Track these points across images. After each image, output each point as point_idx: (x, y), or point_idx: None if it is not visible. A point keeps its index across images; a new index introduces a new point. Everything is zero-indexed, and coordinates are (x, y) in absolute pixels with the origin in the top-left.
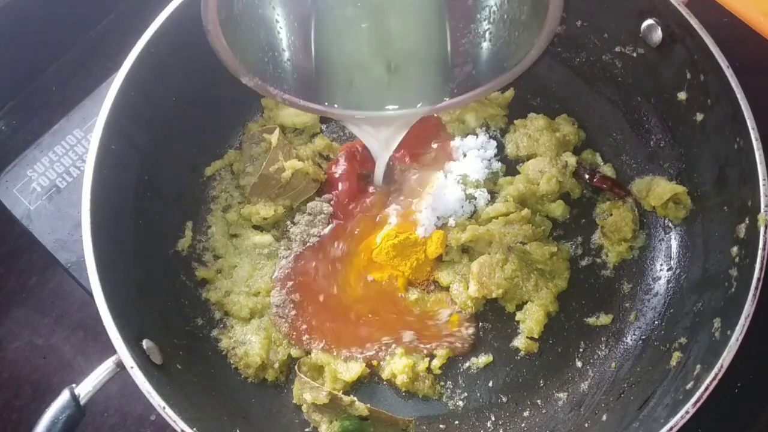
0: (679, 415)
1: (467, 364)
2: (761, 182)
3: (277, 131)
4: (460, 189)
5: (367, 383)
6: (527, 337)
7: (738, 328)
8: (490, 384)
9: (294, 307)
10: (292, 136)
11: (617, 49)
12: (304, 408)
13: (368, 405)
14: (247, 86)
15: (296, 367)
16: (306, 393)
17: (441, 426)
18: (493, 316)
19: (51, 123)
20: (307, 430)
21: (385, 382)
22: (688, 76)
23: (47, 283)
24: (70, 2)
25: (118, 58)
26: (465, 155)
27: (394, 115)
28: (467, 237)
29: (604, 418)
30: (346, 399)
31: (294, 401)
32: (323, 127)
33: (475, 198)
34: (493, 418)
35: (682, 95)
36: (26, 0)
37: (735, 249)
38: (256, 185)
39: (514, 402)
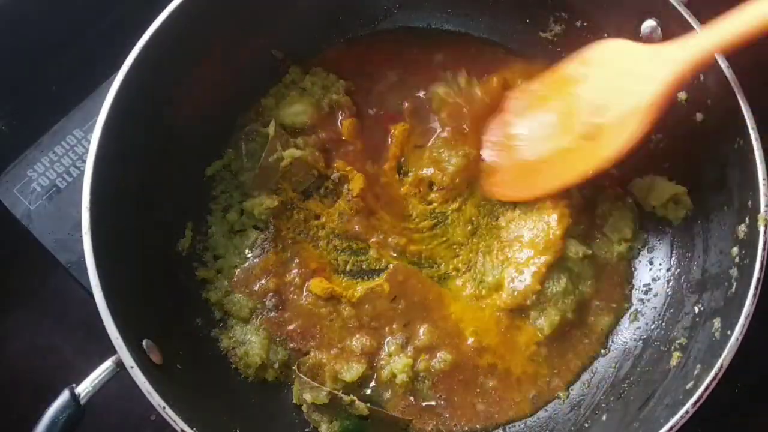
0: (679, 415)
1: None
2: (761, 182)
3: (273, 122)
4: None
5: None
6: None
7: (738, 328)
8: None
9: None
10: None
11: None
12: (304, 408)
13: (368, 404)
14: (246, 86)
15: (296, 367)
16: (306, 393)
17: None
18: None
19: (51, 123)
20: (307, 430)
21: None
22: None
23: (47, 283)
24: (69, 2)
25: (118, 58)
26: None
27: None
28: None
29: (604, 418)
30: (346, 398)
31: (294, 401)
32: None
33: None
34: None
35: (682, 95)
36: (26, 0)
37: (735, 249)
38: (256, 177)
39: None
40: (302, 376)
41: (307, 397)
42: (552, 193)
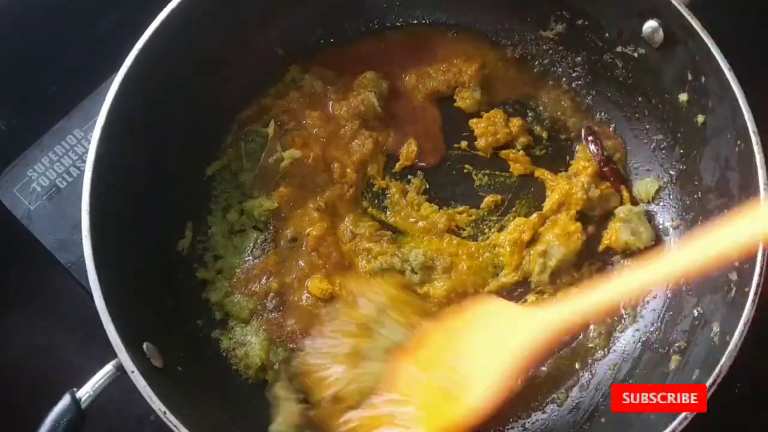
0: (677, 421)
1: None
2: (761, 185)
3: (272, 122)
4: None
5: None
6: None
7: (737, 334)
8: None
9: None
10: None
11: (618, 49)
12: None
13: None
14: (246, 86)
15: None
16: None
17: None
18: None
19: (51, 123)
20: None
21: None
22: (689, 77)
23: (47, 283)
24: (69, 2)
25: (118, 58)
26: None
27: None
28: None
29: (603, 420)
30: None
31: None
32: None
33: None
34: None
35: (683, 96)
36: (26, 0)
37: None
38: (256, 177)
39: (512, 405)
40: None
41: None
42: None
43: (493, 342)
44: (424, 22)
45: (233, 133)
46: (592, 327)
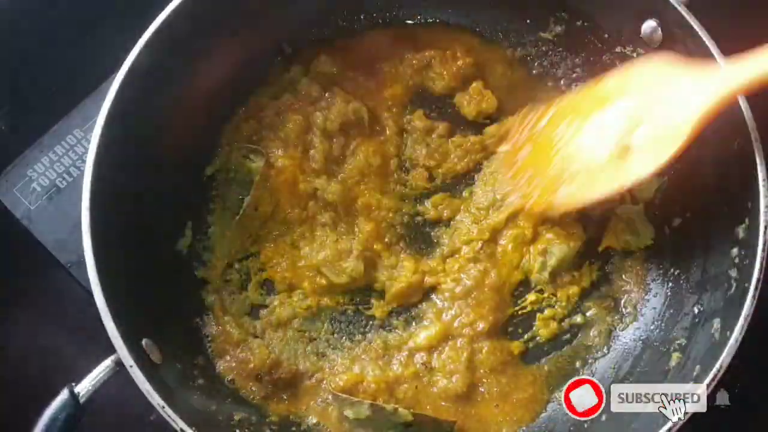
0: (678, 416)
1: None
2: (761, 183)
3: (261, 161)
4: None
5: None
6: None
7: (737, 329)
8: None
9: None
10: None
11: (618, 50)
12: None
13: (411, 410)
14: (245, 86)
15: (329, 386)
16: (346, 410)
17: None
18: None
19: (51, 123)
20: (303, 428)
21: None
22: None
23: (47, 283)
24: (69, 2)
25: (118, 58)
26: None
27: None
28: None
29: (604, 418)
30: (389, 407)
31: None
32: None
33: None
34: None
35: None
36: (26, 0)
37: (735, 250)
38: (237, 224)
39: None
40: (339, 393)
41: (349, 413)
42: (576, 208)
43: (661, 107)
44: (423, 22)
45: (230, 131)
46: (592, 326)
